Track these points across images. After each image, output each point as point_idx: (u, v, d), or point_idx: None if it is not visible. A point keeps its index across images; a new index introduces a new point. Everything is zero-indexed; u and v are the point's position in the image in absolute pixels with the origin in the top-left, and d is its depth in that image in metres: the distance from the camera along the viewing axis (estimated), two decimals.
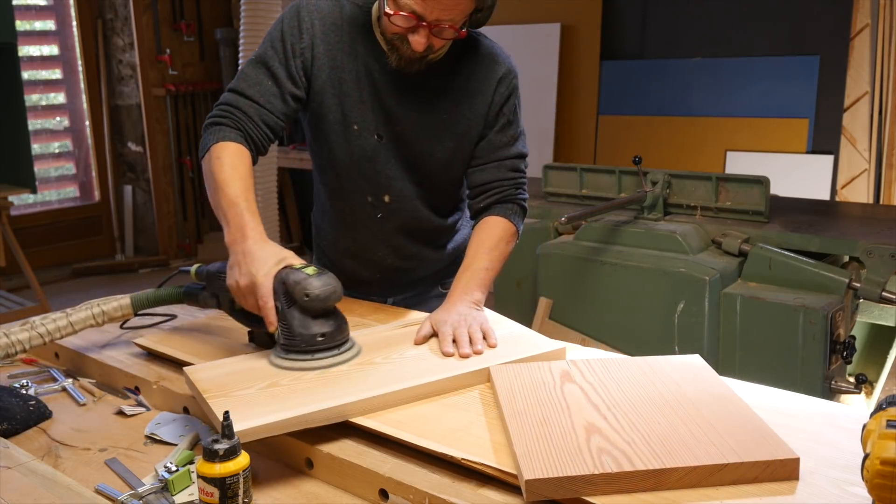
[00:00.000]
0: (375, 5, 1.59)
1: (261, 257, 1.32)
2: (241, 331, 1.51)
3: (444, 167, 1.67)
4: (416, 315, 1.65)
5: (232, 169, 1.44)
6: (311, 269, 1.31)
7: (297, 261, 1.33)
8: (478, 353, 1.34)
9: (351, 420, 1.15)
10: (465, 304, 1.48)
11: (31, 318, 1.46)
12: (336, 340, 1.32)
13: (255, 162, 1.54)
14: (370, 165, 1.64)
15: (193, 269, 1.50)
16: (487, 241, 1.62)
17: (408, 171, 1.66)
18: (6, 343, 1.37)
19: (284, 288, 1.29)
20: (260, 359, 1.34)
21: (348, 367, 1.30)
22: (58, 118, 6.23)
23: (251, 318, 1.38)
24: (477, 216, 1.69)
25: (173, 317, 1.67)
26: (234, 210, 1.39)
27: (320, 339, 1.30)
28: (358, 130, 1.61)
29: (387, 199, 1.67)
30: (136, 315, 1.54)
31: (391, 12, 1.44)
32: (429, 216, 1.72)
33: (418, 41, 1.46)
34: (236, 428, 1.07)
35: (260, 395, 1.20)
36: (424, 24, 1.44)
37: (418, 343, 1.41)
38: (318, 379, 1.25)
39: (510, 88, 1.65)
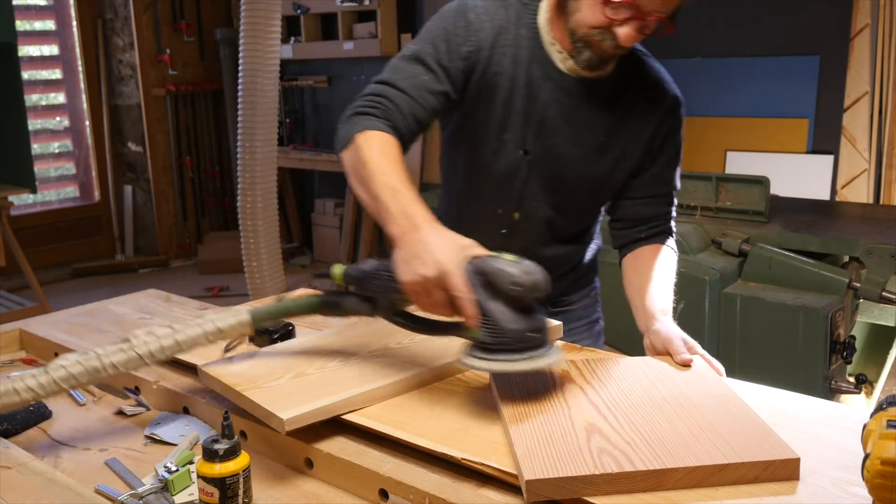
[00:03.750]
0: (548, 2, 1.46)
1: (444, 245, 1.15)
2: None
3: (590, 192, 1.57)
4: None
5: (385, 157, 1.31)
6: (509, 256, 1.15)
7: (480, 248, 1.18)
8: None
9: (351, 420, 1.15)
10: (671, 321, 1.42)
11: (132, 332, 1.22)
12: (546, 337, 1.15)
13: None
14: (509, 179, 1.53)
15: (338, 272, 1.29)
16: (666, 271, 1.53)
17: (547, 191, 1.55)
18: (97, 367, 1.17)
19: (483, 278, 1.12)
20: (273, 354, 1.35)
21: (370, 355, 1.31)
22: (58, 118, 6.23)
23: (421, 321, 1.24)
24: (633, 244, 1.60)
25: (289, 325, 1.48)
26: (398, 197, 1.23)
27: (532, 334, 1.13)
28: (505, 141, 1.50)
29: (517, 216, 1.57)
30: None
31: (608, 0, 1.31)
32: (551, 246, 1.61)
33: (629, 35, 1.33)
34: (286, 416, 1.09)
35: (295, 384, 1.21)
36: (639, 15, 1.32)
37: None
38: (344, 366, 1.28)
39: (676, 119, 1.55)
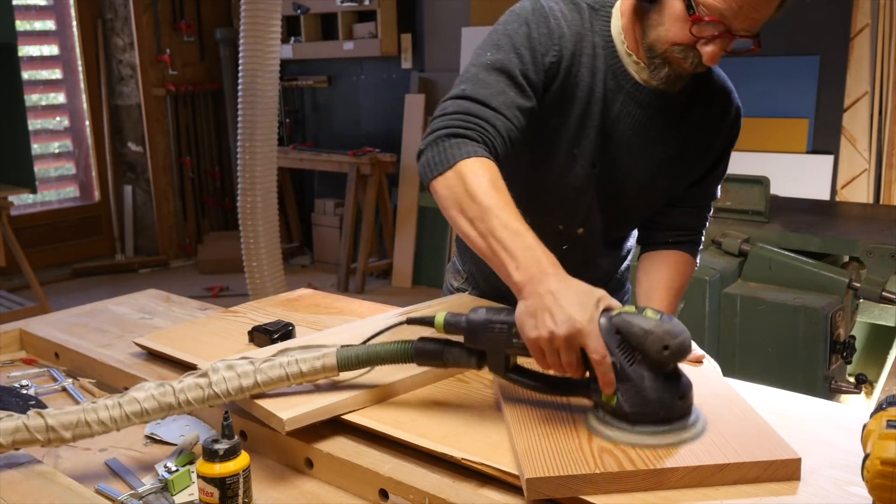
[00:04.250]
0: (621, 8, 1.37)
1: (578, 299, 1.04)
2: (241, 330, 1.51)
3: (645, 205, 1.51)
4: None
5: (497, 191, 1.18)
6: (650, 312, 1.02)
7: (612, 300, 1.07)
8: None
9: (351, 420, 1.15)
10: None
11: (212, 366, 1.16)
12: (690, 403, 1.04)
13: None
14: (577, 195, 1.44)
15: (440, 318, 1.14)
16: (678, 279, 1.51)
17: (605, 204, 1.47)
18: (171, 403, 1.12)
19: (622, 338, 1.01)
20: (272, 351, 1.34)
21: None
22: (58, 118, 6.23)
23: (542, 379, 1.11)
24: (658, 245, 1.56)
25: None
26: (521, 240, 1.13)
27: (680, 403, 1.02)
28: (576, 156, 1.40)
29: (580, 231, 1.48)
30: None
31: (699, 17, 1.22)
32: (605, 254, 1.56)
33: (714, 53, 1.25)
34: (286, 416, 1.09)
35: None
36: (727, 34, 1.24)
37: None
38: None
39: (736, 132, 1.49)
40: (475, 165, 1.21)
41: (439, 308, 1.55)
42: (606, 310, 1.05)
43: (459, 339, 1.14)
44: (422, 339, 1.16)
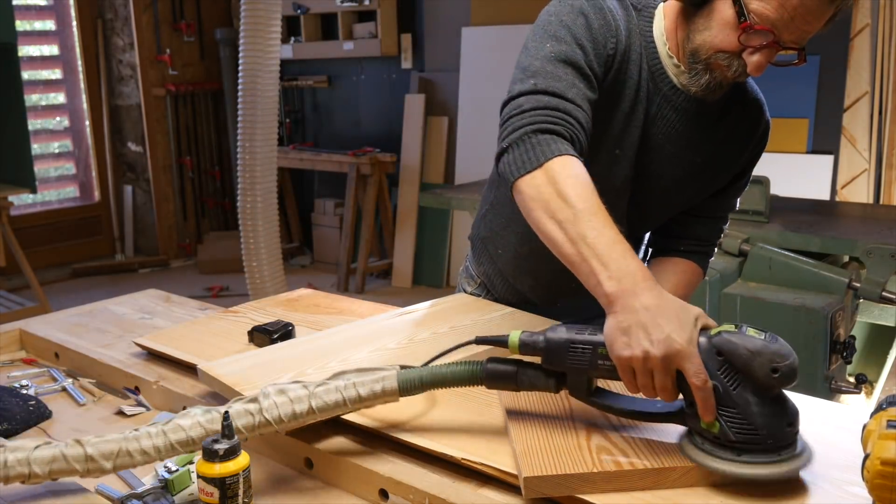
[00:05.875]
0: (665, 10, 1.35)
1: (676, 316, 0.96)
2: (241, 330, 1.51)
3: (665, 212, 1.50)
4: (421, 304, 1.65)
5: (592, 195, 1.11)
6: (752, 331, 0.94)
7: (709, 319, 0.98)
8: None
9: (351, 420, 1.15)
10: None
11: (263, 391, 1.08)
12: (797, 430, 0.95)
13: None
14: (615, 198, 1.38)
15: (514, 338, 1.05)
16: (683, 290, 1.51)
17: (631, 207, 1.45)
18: (219, 431, 1.03)
19: (725, 360, 0.93)
20: (273, 351, 1.35)
21: (369, 354, 1.29)
22: (58, 118, 6.24)
23: (632, 405, 1.02)
24: (668, 252, 1.55)
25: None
26: (616, 249, 1.05)
27: (789, 429, 0.93)
28: (618, 157, 1.37)
29: None
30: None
31: (749, 25, 1.19)
32: None
33: (760, 63, 1.23)
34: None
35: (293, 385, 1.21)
36: (775, 44, 1.21)
37: None
38: (343, 366, 1.26)
39: (763, 146, 1.48)
40: (567, 165, 1.15)
41: (440, 308, 1.56)
42: (704, 328, 0.97)
43: (534, 359, 1.05)
44: (492, 360, 1.06)
